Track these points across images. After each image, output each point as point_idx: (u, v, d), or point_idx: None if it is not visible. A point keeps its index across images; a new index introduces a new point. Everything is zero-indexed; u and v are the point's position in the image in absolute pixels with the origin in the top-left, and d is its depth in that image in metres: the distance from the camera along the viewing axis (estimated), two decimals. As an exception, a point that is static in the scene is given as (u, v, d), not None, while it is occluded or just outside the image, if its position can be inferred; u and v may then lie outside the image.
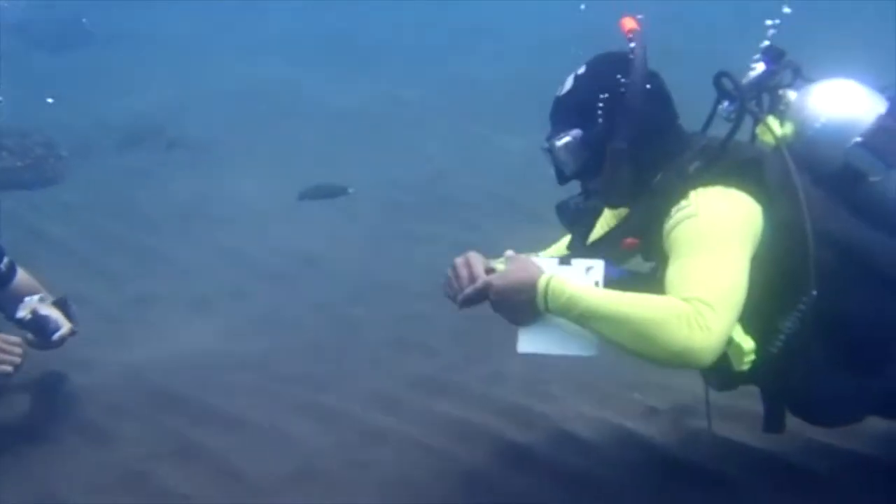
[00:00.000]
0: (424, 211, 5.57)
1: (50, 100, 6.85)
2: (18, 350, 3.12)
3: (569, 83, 2.69)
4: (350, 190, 4.79)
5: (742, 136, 2.66)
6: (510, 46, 9.71)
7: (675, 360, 2.32)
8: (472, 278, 2.59)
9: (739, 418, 3.06)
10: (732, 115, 2.66)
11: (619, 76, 2.61)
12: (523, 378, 3.53)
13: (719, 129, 2.65)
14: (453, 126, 7.28)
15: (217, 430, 3.27)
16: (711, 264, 2.41)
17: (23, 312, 3.27)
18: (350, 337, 4.03)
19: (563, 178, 2.70)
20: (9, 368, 3.09)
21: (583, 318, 2.41)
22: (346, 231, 5.31)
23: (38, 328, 3.25)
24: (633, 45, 2.63)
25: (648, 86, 2.60)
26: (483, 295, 2.56)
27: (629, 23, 2.69)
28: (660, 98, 2.68)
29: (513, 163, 6.15)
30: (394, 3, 11.21)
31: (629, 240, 2.64)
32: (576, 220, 2.80)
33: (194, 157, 6.76)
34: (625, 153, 2.59)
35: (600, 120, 2.61)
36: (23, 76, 7.92)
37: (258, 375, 3.68)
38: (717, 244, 2.44)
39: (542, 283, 2.47)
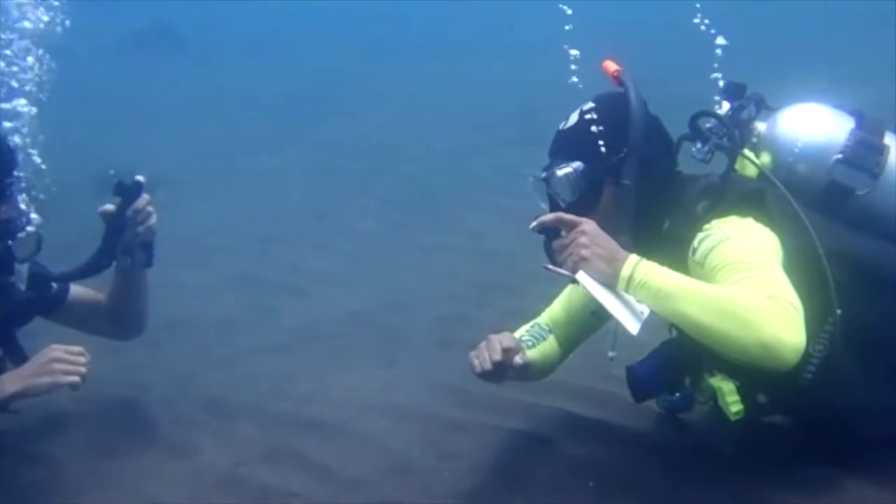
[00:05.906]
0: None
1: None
2: (83, 359, 3.00)
3: (574, 117, 2.77)
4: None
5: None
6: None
7: (760, 352, 2.26)
8: (505, 350, 2.73)
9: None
10: (708, 156, 2.72)
11: (622, 114, 2.68)
12: (583, 366, 3.58)
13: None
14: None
15: (293, 433, 3.24)
16: (773, 274, 2.39)
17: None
18: (395, 341, 4.03)
19: (556, 211, 2.68)
20: (76, 379, 2.97)
21: (663, 295, 2.39)
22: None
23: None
24: (623, 85, 2.72)
25: (650, 127, 2.68)
26: (568, 225, 2.54)
27: (612, 64, 2.78)
28: (661, 140, 2.76)
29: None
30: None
31: None
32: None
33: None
34: (631, 190, 2.63)
35: (603, 155, 2.67)
36: None
37: (315, 383, 3.64)
38: (764, 261, 2.43)
39: (634, 256, 2.49)
